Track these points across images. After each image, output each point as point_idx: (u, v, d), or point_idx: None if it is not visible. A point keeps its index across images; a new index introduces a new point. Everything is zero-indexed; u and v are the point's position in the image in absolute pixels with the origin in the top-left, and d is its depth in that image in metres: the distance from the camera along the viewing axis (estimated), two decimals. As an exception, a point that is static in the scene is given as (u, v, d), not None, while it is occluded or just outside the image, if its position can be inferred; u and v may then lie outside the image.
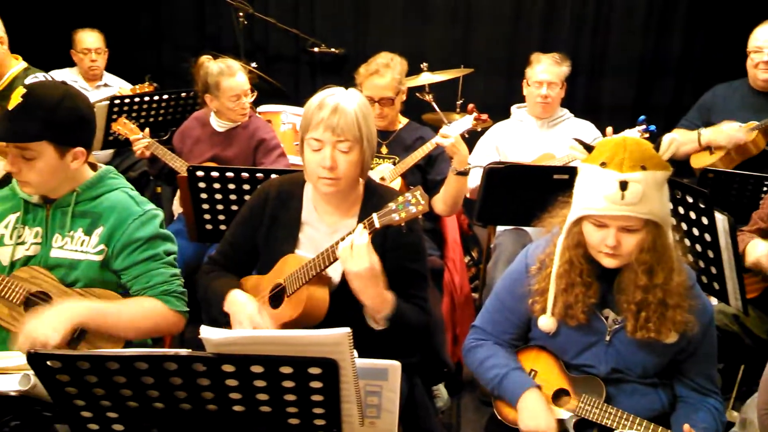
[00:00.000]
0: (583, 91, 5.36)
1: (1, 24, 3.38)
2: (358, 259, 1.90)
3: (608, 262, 1.91)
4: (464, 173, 3.01)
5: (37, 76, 3.40)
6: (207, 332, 1.46)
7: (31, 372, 1.56)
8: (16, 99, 2.04)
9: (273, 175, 2.62)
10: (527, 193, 2.91)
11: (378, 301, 1.99)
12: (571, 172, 2.86)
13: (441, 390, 3.16)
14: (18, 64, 3.43)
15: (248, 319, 2.03)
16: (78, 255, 2.11)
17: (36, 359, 1.46)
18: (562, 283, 1.99)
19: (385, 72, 3.25)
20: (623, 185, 1.79)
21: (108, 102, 3.81)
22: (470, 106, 3.10)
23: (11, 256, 2.14)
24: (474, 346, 2.20)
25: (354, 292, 1.97)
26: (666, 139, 1.88)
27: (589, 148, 1.93)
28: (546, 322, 2.04)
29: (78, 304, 2.04)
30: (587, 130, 3.67)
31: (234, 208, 2.81)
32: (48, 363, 1.45)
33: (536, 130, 3.69)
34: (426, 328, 2.21)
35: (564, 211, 2.01)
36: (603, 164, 1.83)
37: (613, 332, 2.03)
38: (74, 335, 2.05)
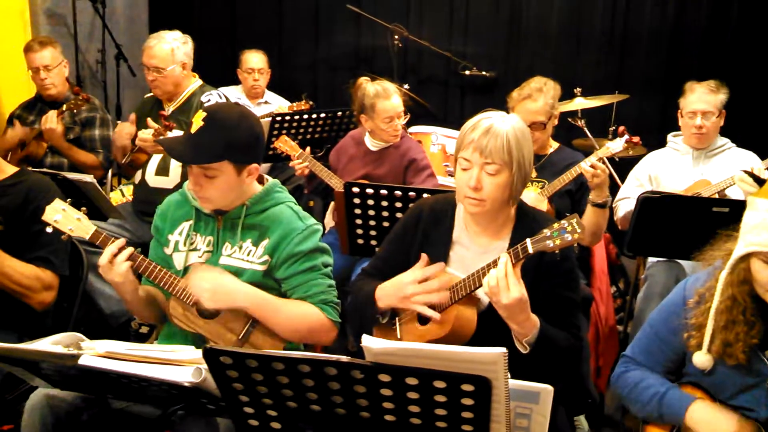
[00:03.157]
0: (747, 118, 5.08)
1: (191, 49, 3.66)
2: (505, 292, 1.90)
3: (778, 302, 1.82)
4: (602, 206, 2.95)
5: (212, 94, 3.64)
6: (368, 341, 1.51)
7: (203, 366, 1.66)
8: (197, 122, 2.16)
9: (425, 195, 2.68)
10: (683, 224, 2.82)
11: (527, 325, 1.99)
12: (732, 204, 2.76)
13: (582, 421, 3.08)
14: (195, 82, 3.69)
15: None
16: (244, 264, 2.23)
17: (210, 354, 1.57)
18: (722, 319, 1.91)
19: (538, 96, 3.24)
20: (800, 222, 1.70)
21: (270, 119, 4.06)
22: (621, 128, 3.04)
23: (185, 262, 2.28)
24: (626, 372, 2.13)
25: (502, 317, 1.98)
26: None
27: (760, 182, 1.85)
28: (701, 359, 1.95)
29: (246, 287, 2.17)
30: (750, 160, 3.46)
31: (385, 224, 2.90)
32: (221, 359, 1.56)
33: (693, 160, 3.52)
34: (577, 355, 2.18)
35: (727, 245, 1.92)
36: (777, 199, 1.75)
37: (776, 376, 1.92)
38: (240, 335, 2.19)
